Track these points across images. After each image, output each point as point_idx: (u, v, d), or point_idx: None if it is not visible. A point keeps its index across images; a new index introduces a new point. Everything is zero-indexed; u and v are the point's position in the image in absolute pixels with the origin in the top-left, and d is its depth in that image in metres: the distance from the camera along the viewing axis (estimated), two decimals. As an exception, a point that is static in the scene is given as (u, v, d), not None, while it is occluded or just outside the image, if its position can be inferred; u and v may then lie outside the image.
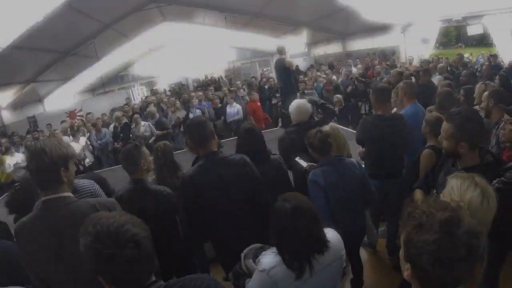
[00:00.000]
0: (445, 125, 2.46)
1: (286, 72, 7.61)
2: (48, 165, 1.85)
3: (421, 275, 1.27)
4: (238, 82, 12.31)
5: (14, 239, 2.10)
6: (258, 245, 2.33)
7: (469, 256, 1.19)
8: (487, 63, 9.22)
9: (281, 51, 7.75)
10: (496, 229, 1.82)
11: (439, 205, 1.31)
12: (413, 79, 7.10)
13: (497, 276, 2.99)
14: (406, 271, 1.33)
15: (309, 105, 4.13)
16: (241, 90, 11.16)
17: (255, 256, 2.18)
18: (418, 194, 2.75)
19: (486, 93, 4.06)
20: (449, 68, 9.09)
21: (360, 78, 10.29)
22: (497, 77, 6.34)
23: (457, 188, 1.83)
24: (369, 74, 11.15)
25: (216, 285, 1.51)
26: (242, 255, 2.26)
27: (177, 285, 1.45)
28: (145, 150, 3.16)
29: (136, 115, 9.33)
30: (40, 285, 1.96)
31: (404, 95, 4.43)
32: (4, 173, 8.58)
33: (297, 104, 4.12)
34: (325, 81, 10.93)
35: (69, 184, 2.02)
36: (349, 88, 10.30)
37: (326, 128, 3.57)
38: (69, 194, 1.99)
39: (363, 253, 3.95)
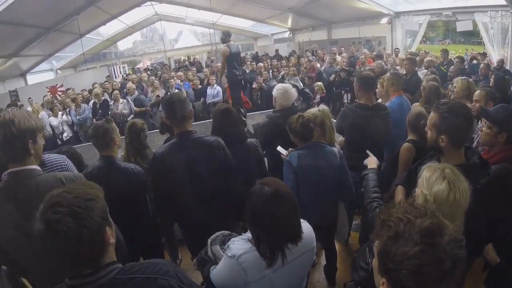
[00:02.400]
0: (430, 115, 2.32)
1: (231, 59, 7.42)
2: (15, 135, 1.84)
3: None
4: (219, 64, 12.03)
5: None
6: (226, 232, 2.25)
7: (455, 268, 1.06)
8: (485, 62, 9.04)
9: (225, 37, 7.40)
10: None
11: (417, 210, 1.17)
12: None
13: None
14: (381, 285, 1.17)
15: (294, 90, 4.03)
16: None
17: (223, 242, 2.10)
18: (399, 193, 2.56)
19: (481, 92, 3.83)
20: (435, 64, 8.93)
21: (344, 67, 10.05)
22: (492, 76, 6.06)
23: (426, 180, 1.75)
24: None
25: (175, 270, 1.45)
26: (209, 240, 2.18)
27: (133, 269, 1.39)
28: (115, 126, 3.05)
29: (115, 92, 9.35)
30: (4, 258, 1.97)
31: (391, 86, 4.34)
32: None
33: (283, 88, 3.99)
34: (307, 68, 10.75)
35: (37, 157, 2.01)
36: (332, 77, 10.11)
37: (313, 110, 3.44)
38: (36, 167, 1.99)
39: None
